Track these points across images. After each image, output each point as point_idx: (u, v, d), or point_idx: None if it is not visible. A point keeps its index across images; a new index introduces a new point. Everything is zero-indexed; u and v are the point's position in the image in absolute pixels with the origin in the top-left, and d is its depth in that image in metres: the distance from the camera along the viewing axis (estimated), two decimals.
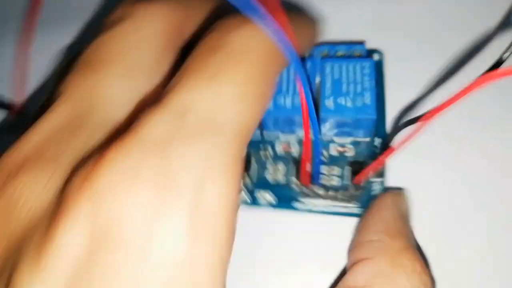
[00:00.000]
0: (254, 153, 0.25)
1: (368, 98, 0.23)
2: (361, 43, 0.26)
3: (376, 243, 0.19)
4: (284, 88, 0.23)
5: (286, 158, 0.25)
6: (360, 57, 0.25)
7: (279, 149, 0.25)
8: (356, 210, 0.24)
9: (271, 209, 0.25)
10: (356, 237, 0.21)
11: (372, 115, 0.23)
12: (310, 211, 0.24)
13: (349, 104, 0.23)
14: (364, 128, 0.24)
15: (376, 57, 0.26)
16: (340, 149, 0.25)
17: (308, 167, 0.22)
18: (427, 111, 0.17)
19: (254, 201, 0.25)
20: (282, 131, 0.25)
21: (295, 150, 0.25)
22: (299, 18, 0.22)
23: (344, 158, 0.25)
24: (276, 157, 0.25)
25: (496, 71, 0.13)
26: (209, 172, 0.13)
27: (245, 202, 0.25)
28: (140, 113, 0.14)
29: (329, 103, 0.23)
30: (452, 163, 0.25)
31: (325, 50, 0.25)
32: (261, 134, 0.25)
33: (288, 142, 0.25)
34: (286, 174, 0.25)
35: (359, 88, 0.23)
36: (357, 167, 0.24)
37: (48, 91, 0.18)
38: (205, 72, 0.14)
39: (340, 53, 0.25)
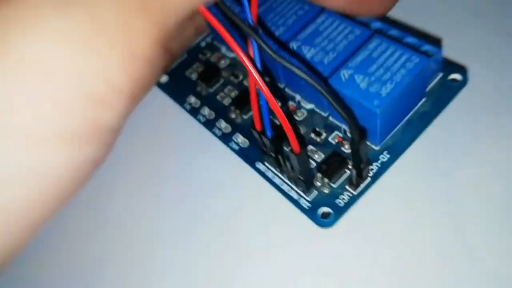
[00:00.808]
0: None
1: (387, 90, 0.18)
2: (438, 43, 0.21)
3: None
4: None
5: None
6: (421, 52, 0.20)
7: None
8: (306, 206, 0.20)
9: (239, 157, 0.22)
10: None
11: (376, 108, 0.18)
12: (268, 179, 0.21)
13: (363, 85, 0.19)
14: (363, 117, 0.19)
15: (432, 55, 0.20)
16: (340, 138, 0.21)
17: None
18: None
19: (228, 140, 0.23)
20: None
21: None
22: None
23: (334, 148, 0.21)
24: None
25: None
26: None
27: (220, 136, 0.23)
28: None
29: (344, 74, 0.19)
30: None
31: (392, 32, 0.21)
32: None
33: None
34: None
35: (386, 76, 0.19)
36: (334, 159, 0.20)
37: None
38: None
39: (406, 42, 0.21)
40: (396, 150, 0.20)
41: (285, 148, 0.18)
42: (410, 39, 0.21)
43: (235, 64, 0.25)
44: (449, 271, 0.18)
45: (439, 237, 0.19)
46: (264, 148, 0.20)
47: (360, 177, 0.19)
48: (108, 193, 0.24)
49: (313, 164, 0.21)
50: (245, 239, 0.21)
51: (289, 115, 0.22)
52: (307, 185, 0.19)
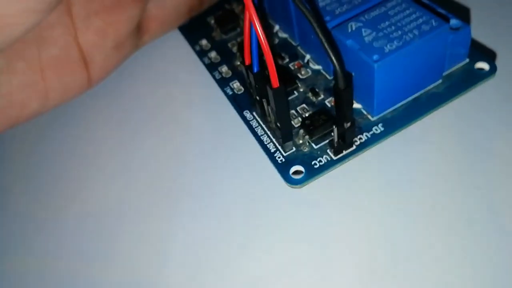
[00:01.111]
0: None
1: (392, 47, 0.16)
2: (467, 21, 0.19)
3: None
4: None
5: None
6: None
7: None
8: (280, 160, 0.18)
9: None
10: None
11: (373, 63, 0.16)
12: (251, 129, 0.20)
13: (367, 38, 0.17)
14: (360, 76, 0.17)
15: (454, 25, 0.18)
16: (332, 102, 0.19)
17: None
18: None
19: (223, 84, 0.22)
20: None
21: None
22: None
23: (323, 106, 0.19)
24: None
25: None
26: None
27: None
28: None
29: (352, 25, 0.18)
30: None
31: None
32: None
33: None
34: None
35: (396, 34, 0.17)
36: (320, 117, 0.18)
37: None
38: None
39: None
40: (393, 125, 0.18)
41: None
42: (438, 10, 0.19)
43: None
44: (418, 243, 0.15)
45: (416, 222, 0.16)
46: (251, 90, 0.19)
47: (343, 140, 0.17)
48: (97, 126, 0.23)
49: (299, 120, 0.19)
50: (210, 183, 0.19)
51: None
52: (284, 135, 0.18)
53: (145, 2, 0.22)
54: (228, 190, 0.19)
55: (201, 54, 0.24)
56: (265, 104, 0.18)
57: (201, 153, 0.20)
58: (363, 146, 0.18)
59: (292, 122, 0.19)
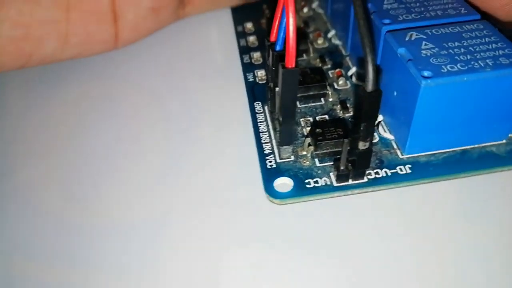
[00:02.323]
0: None
1: (453, 69, 0.13)
2: None
3: None
4: None
5: None
6: None
7: None
8: (269, 165, 0.14)
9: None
10: None
11: (421, 80, 0.12)
12: (254, 122, 0.16)
13: (425, 52, 0.13)
14: (401, 99, 0.14)
15: None
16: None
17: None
18: None
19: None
20: None
21: None
22: None
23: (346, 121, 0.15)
24: None
25: None
26: None
27: None
28: None
29: (412, 35, 0.14)
30: None
31: None
32: None
33: None
34: None
35: (464, 58, 0.13)
36: (336, 128, 0.14)
37: None
38: None
39: None
40: (424, 172, 0.14)
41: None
42: None
43: (315, 18, 0.21)
44: None
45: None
46: (269, 76, 0.15)
47: (353, 165, 0.13)
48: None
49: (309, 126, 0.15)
50: (186, 166, 0.16)
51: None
52: (283, 134, 0.14)
53: None
54: (202, 178, 0.15)
55: (241, 35, 0.21)
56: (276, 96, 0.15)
57: (191, 134, 0.17)
58: (376, 183, 0.14)
59: (304, 129, 0.15)
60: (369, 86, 0.12)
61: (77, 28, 0.18)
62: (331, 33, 0.20)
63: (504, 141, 0.15)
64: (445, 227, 0.13)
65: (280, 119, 0.14)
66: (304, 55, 0.19)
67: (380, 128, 0.15)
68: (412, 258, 0.13)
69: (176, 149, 0.16)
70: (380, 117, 0.16)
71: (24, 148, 0.17)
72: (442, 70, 0.13)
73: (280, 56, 0.13)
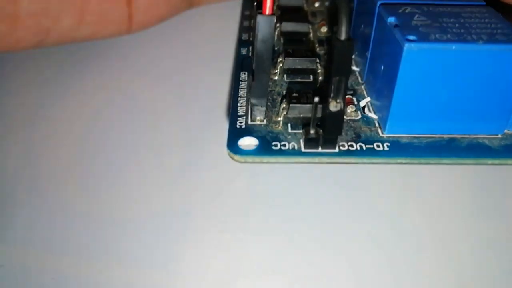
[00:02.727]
0: None
1: (443, 38, 0.12)
2: None
3: None
4: None
5: None
6: None
7: None
8: (238, 125, 0.14)
9: None
10: None
11: (405, 42, 0.11)
12: (236, 87, 0.15)
13: (416, 23, 0.12)
14: (389, 63, 0.13)
15: None
16: (349, 99, 0.14)
17: None
18: None
19: None
20: None
21: None
22: None
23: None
24: None
25: None
26: None
27: None
28: None
29: (406, 9, 0.13)
30: None
31: None
32: None
33: None
34: None
35: (455, 31, 0.12)
36: (308, 94, 0.13)
37: None
38: None
39: None
40: (402, 152, 0.13)
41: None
42: None
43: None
44: None
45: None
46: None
47: (323, 130, 0.12)
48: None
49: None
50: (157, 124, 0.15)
51: None
52: (255, 86, 0.13)
53: None
54: (171, 133, 0.14)
55: (245, 18, 0.21)
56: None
57: (169, 96, 0.16)
58: (348, 154, 0.13)
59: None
60: (342, 35, 0.11)
61: (93, 6, 0.18)
62: None
63: (499, 135, 0.13)
64: (412, 212, 0.12)
65: (253, 70, 0.13)
66: (304, 39, 0.18)
67: (365, 108, 0.14)
68: (363, 239, 0.11)
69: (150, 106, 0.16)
70: (367, 99, 0.15)
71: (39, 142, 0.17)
72: (430, 37, 0.12)
73: (259, 5, 0.13)
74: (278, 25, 0.18)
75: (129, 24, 0.20)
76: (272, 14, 0.12)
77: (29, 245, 0.12)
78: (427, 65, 0.12)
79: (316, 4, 0.21)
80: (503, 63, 0.12)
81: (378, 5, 0.14)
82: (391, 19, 0.13)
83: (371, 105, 0.14)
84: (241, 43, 0.18)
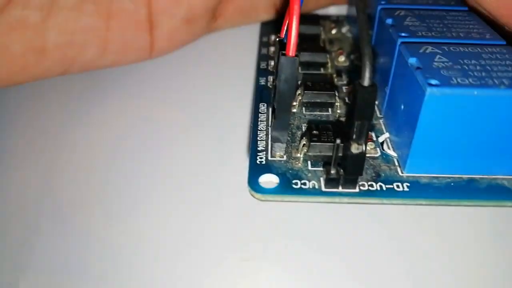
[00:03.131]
0: None
1: (465, 82, 0.12)
2: None
3: None
4: None
5: None
6: None
7: None
8: (259, 160, 0.14)
9: None
10: None
11: (428, 87, 0.11)
12: (255, 120, 0.16)
13: (437, 65, 0.12)
14: (411, 104, 0.13)
15: None
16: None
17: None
18: None
19: None
20: None
21: None
22: None
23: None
24: None
25: None
26: None
27: None
28: None
29: (427, 48, 0.13)
30: None
31: None
32: None
33: None
34: None
35: (477, 74, 0.12)
36: (332, 130, 0.14)
37: None
38: None
39: None
40: (422, 193, 0.13)
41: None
42: None
43: (342, 40, 0.21)
44: None
45: None
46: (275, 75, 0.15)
47: (344, 170, 0.12)
48: None
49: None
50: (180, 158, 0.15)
51: None
52: (276, 125, 0.13)
53: None
54: (191, 168, 0.15)
55: (264, 44, 0.21)
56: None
57: (194, 131, 0.17)
58: (368, 195, 0.13)
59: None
60: (365, 81, 0.11)
61: (116, 36, 0.19)
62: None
63: None
64: (434, 255, 0.12)
65: (275, 108, 0.13)
66: (322, 69, 0.18)
67: (385, 145, 0.15)
68: (381, 281, 0.11)
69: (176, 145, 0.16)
70: (386, 135, 0.15)
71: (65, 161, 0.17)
72: (452, 82, 0.12)
73: (283, 45, 0.13)
74: None
75: (150, 51, 0.20)
76: (296, 56, 0.12)
77: (52, 273, 0.13)
78: (448, 108, 0.12)
79: (333, 31, 0.22)
80: None
81: (399, 43, 0.14)
82: (413, 60, 0.13)
83: (390, 141, 0.15)
84: (259, 72, 0.19)
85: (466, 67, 0.13)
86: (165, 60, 0.20)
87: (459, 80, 0.12)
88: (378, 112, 0.16)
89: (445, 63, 0.13)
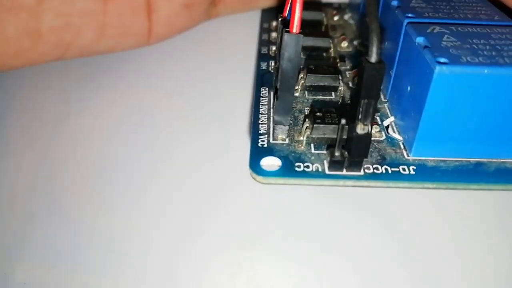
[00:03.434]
0: None
1: (474, 60, 0.11)
2: None
3: None
4: None
5: None
6: None
7: None
8: (260, 144, 0.13)
9: None
10: None
11: (436, 65, 0.11)
12: (256, 103, 0.15)
13: (446, 44, 0.12)
14: (418, 84, 0.12)
15: None
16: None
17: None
18: None
19: None
20: None
21: None
22: None
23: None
24: None
25: None
26: None
27: None
28: None
29: (434, 28, 0.13)
30: None
31: None
32: None
33: None
34: None
35: (487, 53, 0.12)
36: (333, 115, 0.13)
37: None
38: None
39: None
40: (428, 176, 0.12)
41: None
42: None
43: (345, 26, 0.21)
44: None
45: None
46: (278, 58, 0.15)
47: (349, 152, 0.12)
48: None
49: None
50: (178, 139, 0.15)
51: None
52: (279, 107, 0.13)
53: None
54: (191, 156, 0.14)
55: (265, 31, 0.20)
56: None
57: (194, 107, 0.16)
58: (373, 178, 0.12)
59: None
60: (373, 57, 0.11)
61: (113, 20, 0.18)
62: None
63: None
64: (441, 239, 0.11)
65: (278, 88, 0.13)
66: (325, 54, 0.18)
67: (389, 128, 0.14)
68: (387, 264, 0.11)
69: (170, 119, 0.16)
70: (391, 118, 0.14)
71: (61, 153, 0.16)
72: (461, 60, 0.11)
73: (286, 23, 0.12)
74: None
75: (148, 37, 0.20)
76: (300, 33, 0.12)
77: (50, 262, 0.12)
78: (457, 88, 0.11)
79: (336, 18, 0.21)
80: None
81: (405, 23, 0.14)
82: (420, 39, 0.12)
83: (395, 125, 0.14)
84: (260, 56, 0.18)
85: (476, 47, 0.12)
86: (165, 46, 0.20)
87: (468, 58, 0.11)
88: (382, 97, 0.16)
89: (454, 43, 0.12)
